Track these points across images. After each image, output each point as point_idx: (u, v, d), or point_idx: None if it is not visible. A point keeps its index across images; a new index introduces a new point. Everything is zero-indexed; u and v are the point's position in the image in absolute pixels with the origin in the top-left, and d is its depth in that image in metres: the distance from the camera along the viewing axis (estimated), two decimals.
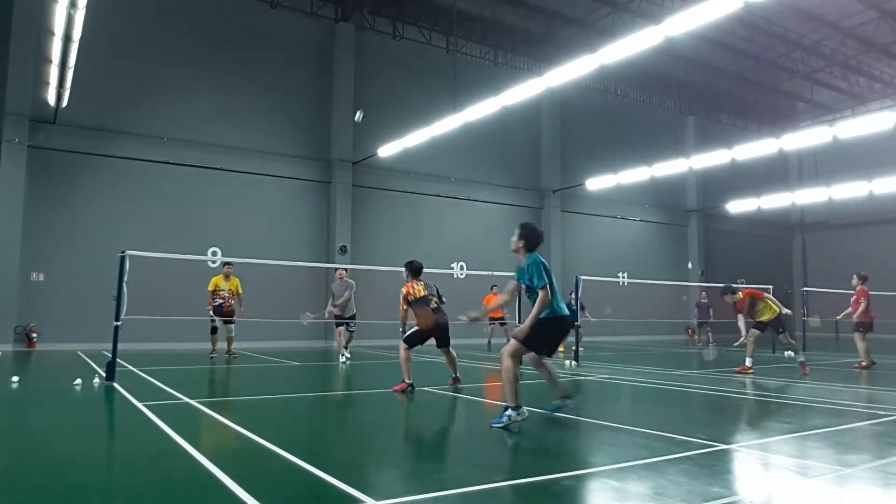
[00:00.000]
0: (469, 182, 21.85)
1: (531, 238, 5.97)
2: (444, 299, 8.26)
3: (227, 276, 12.82)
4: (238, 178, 17.91)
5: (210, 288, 12.74)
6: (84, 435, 5.37)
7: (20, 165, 14.93)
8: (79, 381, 8.05)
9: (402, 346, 7.97)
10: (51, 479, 3.84)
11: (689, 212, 28.18)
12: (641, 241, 26.44)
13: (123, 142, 16.37)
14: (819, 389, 8.73)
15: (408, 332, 7.97)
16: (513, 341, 5.67)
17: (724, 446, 4.78)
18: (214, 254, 16.42)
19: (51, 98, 14.47)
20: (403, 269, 8.30)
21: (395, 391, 7.86)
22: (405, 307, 7.99)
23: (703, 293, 21.11)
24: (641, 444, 4.98)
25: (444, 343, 8.20)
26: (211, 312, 12.63)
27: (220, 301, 12.64)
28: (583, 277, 14.12)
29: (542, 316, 5.63)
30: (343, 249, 18.79)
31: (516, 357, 5.64)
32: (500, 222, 22.75)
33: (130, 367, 10.27)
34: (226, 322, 12.79)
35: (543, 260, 5.84)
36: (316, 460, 4.23)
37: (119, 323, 8.73)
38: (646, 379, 9.89)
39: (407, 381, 7.91)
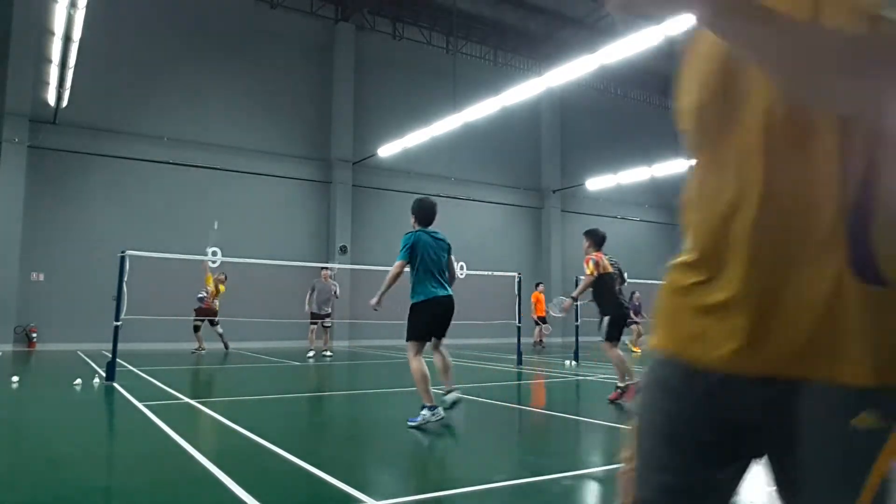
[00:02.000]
0: (469, 182, 21.83)
1: (419, 213, 5.75)
2: (626, 277, 7.31)
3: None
4: (238, 178, 17.90)
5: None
6: (84, 435, 5.37)
7: (20, 165, 14.93)
8: (79, 381, 8.05)
9: (608, 345, 6.83)
10: (51, 479, 3.84)
11: None
12: (641, 241, 26.43)
13: (123, 142, 16.37)
14: None
15: (608, 327, 6.79)
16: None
17: None
18: (214, 254, 16.42)
19: (51, 98, 14.47)
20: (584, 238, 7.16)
21: (614, 400, 6.86)
22: (594, 274, 6.83)
23: None
24: None
25: (616, 336, 6.88)
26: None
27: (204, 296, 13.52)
28: (583, 277, 14.10)
29: (413, 300, 5.51)
30: (343, 249, 18.78)
31: (417, 353, 5.51)
32: (500, 222, 22.76)
33: (130, 367, 10.27)
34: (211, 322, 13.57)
35: (419, 236, 5.60)
36: (316, 460, 4.23)
37: (119, 323, 8.73)
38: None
39: (630, 381, 6.61)
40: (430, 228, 5.76)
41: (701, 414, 0.99)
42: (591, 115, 25.12)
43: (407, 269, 5.63)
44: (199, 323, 13.58)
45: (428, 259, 5.54)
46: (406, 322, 5.57)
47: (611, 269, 6.85)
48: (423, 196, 6.08)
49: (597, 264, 6.85)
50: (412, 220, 5.79)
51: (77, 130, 15.81)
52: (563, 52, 19.60)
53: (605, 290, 6.82)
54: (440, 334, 5.64)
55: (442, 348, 5.70)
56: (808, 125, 0.87)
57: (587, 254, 7.05)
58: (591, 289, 6.95)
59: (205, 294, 13.33)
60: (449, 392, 5.70)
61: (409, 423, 5.33)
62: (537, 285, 18.22)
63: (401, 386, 9.11)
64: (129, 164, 16.45)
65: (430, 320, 5.50)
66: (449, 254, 5.82)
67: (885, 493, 0.82)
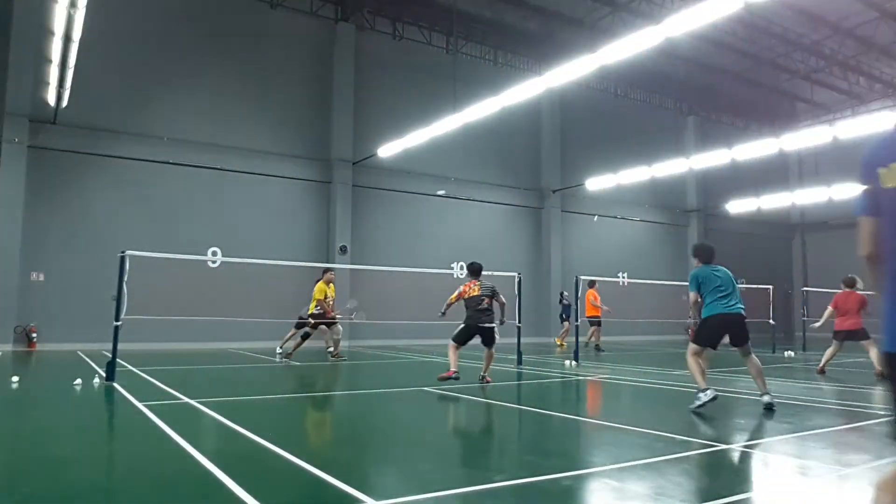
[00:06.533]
0: (469, 182, 21.83)
1: (701, 254, 7.20)
2: (502, 298, 8.85)
3: (328, 282, 12.37)
4: (238, 178, 17.89)
5: (321, 297, 12.18)
6: (84, 435, 5.37)
7: (20, 165, 14.92)
8: (79, 381, 8.05)
9: (451, 344, 8.70)
10: (51, 479, 3.84)
11: (689, 212, 28.17)
12: (641, 241, 26.43)
13: (123, 142, 16.37)
14: (819, 389, 8.73)
15: (456, 331, 8.75)
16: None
17: (724, 446, 4.78)
18: (214, 254, 16.42)
19: (51, 98, 14.47)
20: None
21: (441, 378, 8.39)
22: (454, 301, 8.75)
23: None
24: (641, 444, 4.98)
25: (488, 343, 8.83)
26: (311, 319, 12.22)
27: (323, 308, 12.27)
28: (583, 277, 14.14)
29: (702, 315, 6.88)
30: (343, 249, 18.78)
31: (693, 353, 6.87)
32: (500, 222, 22.75)
33: (130, 367, 10.27)
34: (331, 325, 12.42)
35: (700, 273, 6.96)
36: (316, 460, 4.23)
37: (119, 323, 8.73)
38: (646, 379, 9.89)
39: (453, 369, 8.45)
40: (713, 265, 7.07)
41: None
42: (591, 115, 25.11)
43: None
44: (312, 331, 12.46)
45: (711, 286, 6.85)
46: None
47: (476, 293, 8.66)
48: (701, 242, 7.63)
49: (461, 293, 8.77)
50: (695, 261, 7.16)
51: (77, 130, 15.81)
52: (563, 52, 19.59)
53: (468, 306, 8.70)
54: (737, 343, 6.84)
55: (753, 356, 6.84)
56: None
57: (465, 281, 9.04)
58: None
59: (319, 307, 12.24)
60: (764, 395, 6.73)
61: (691, 408, 6.46)
62: (593, 284, 16.73)
63: (401, 386, 9.11)
64: (129, 164, 16.44)
65: (710, 332, 6.81)
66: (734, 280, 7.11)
67: None
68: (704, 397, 6.45)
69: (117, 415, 6.56)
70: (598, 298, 16.48)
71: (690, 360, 6.86)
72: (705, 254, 7.26)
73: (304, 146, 19.13)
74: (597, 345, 16.49)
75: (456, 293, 8.78)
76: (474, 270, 8.90)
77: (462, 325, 8.67)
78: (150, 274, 10.61)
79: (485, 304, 8.62)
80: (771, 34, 22.37)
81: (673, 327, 24.77)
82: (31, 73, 14.94)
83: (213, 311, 14.06)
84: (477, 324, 8.56)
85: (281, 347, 13.19)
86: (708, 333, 6.87)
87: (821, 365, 10.90)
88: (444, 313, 8.78)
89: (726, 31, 21.17)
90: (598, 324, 16.47)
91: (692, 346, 6.95)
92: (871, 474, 4.06)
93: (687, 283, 7.11)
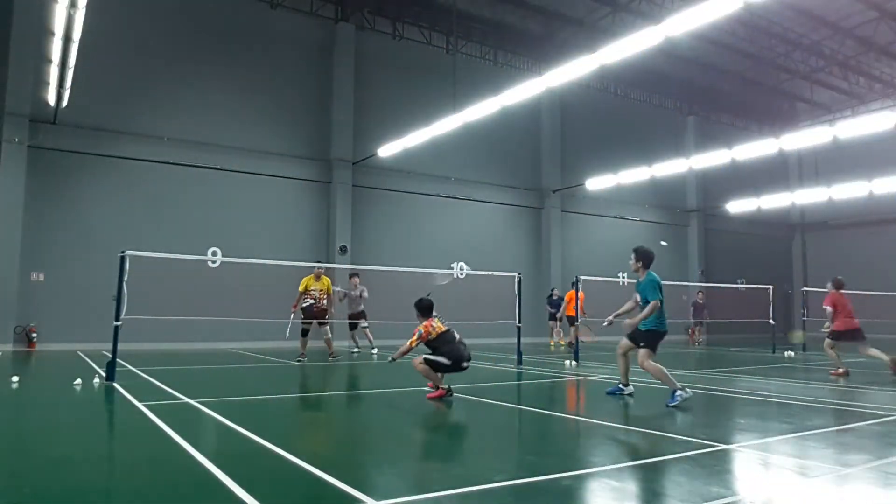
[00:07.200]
0: (469, 182, 21.83)
1: (646, 259, 7.28)
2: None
3: (317, 277, 12.58)
4: (238, 178, 17.90)
5: (300, 289, 12.48)
6: (84, 435, 5.37)
7: (20, 165, 14.93)
8: (79, 381, 8.05)
9: (425, 369, 7.40)
10: (51, 479, 3.84)
11: (689, 212, 28.16)
12: (642, 241, 26.31)
13: (123, 142, 16.37)
14: (819, 389, 8.73)
15: (436, 361, 7.40)
16: (642, 349, 7.17)
17: (724, 446, 4.78)
18: (214, 254, 16.42)
19: (51, 98, 14.47)
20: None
21: (432, 398, 7.29)
22: (415, 345, 7.53)
23: (700, 293, 21.10)
24: (641, 444, 4.98)
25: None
26: (298, 314, 12.42)
27: (311, 301, 12.40)
28: (583, 277, 14.14)
29: (653, 327, 7.13)
30: (343, 249, 18.78)
31: (650, 358, 7.12)
32: (500, 222, 22.74)
33: (130, 367, 10.27)
34: (320, 324, 12.55)
35: (658, 280, 7.17)
36: (316, 460, 4.23)
37: (119, 323, 8.73)
38: (645, 379, 9.88)
39: (444, 386, 7.43)
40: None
41: None
42: (591, 115, 25.11)
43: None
44: (307, 326, 12.53)
45: (662, 295, 7.13)
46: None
47: (445, 328, 7.58)
48: (644, 246, 7.53)
49: (422, 336, 7.50)
50: (639, 264, 7.27)
51: (77, 130, 15.81)
52: (563, 52, 19.58)
53: (443, 343, 7.48)
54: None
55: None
56: None
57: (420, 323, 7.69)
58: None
59: (314, 299, 12.35)
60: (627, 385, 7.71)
61: (669, 404, 6.68)
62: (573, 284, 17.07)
63: (400, 386, 9.12)
64: (129, 164, 16.44)
65: (658, 341, 7.24)
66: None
67: None
68: (686, 395, 6.78)
69: (117, 415, 6.57)
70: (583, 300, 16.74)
71: (654, 366, 7.02)
72: (649, 259, 7.31)
73: (303, 146, 19.14)
74: (570, 342, 16.82)
75: (416, 336, 7.48)
76: (427, 307, 7.73)
77: (448, 362, 7.34)
78: (150, 274, 10.61)
79: (459, 337, 7.64)
80: (771, 34, 22.37)
81: (672, 327, 24.78)
82: (31, 73, 14.95)
83: (213, 311, 14.05)
84: (466, 361, 7.49)
85: (358, 346, 13.35)
86: (657, 342, 7.24)
87: (844, 369, 10.38)
88: (403, 355, 7.68)
89: (726, 31, 21.17)
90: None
91: (648, 352, 7.15)
92: (871, 474, 4.07)
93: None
